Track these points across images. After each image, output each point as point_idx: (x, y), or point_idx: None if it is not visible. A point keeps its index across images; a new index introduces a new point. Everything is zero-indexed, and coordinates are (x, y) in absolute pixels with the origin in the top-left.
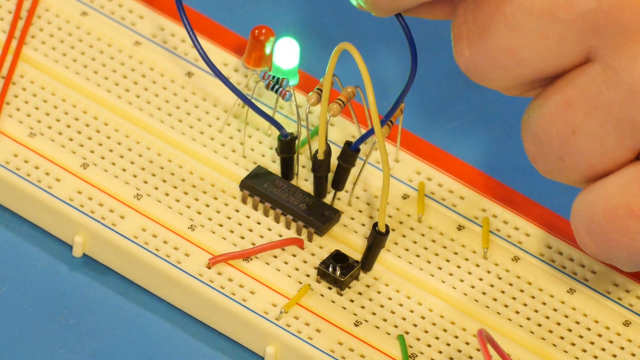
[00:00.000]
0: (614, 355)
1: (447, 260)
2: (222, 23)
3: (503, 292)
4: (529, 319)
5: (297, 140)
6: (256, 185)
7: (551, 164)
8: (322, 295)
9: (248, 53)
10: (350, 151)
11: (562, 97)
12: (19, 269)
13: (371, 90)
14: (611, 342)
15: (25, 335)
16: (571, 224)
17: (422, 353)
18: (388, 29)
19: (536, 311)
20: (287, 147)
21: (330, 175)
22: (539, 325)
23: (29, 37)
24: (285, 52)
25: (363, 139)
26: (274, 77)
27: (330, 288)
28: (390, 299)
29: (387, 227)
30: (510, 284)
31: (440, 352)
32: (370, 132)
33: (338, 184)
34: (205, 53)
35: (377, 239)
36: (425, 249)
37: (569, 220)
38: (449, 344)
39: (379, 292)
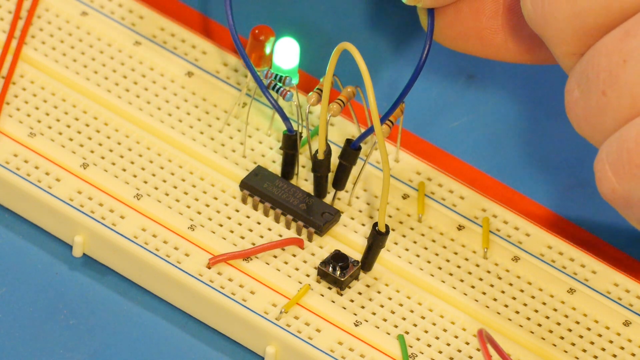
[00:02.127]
0: (614, 355)
1: (447, 260)
2: (222, 23)
3: (503, 292)
4: (529, 319)
5: (298, 140)
6: (256, 185)
7: (592, 102)
8: (322, 295)
9: (248, 53)
10: (351, 149)
11: (621, 28)
12: (19, 269)
13: (371, 90)
14: (611, 342)
15: (25, 335)
16: (595, 162)
17: (422, 353)
18: (388, 29)
19: (536, 311)
20: (291, 142)
21: (331, 175)
22: (539, 325)
23: (29, 37)
24: (285, 52)
25: (363, 137)
26: (276, 75)
27: (330, 288)
28: (390, 299)
29: (387, 227)
30: (510, 284)
31: (440, 352)
32: (371, 129)
33: (339, 183)
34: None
35: (377, 239)
36: (425, 249)
37: (569, 220)
38: (449, 344)
39: (379, 292)
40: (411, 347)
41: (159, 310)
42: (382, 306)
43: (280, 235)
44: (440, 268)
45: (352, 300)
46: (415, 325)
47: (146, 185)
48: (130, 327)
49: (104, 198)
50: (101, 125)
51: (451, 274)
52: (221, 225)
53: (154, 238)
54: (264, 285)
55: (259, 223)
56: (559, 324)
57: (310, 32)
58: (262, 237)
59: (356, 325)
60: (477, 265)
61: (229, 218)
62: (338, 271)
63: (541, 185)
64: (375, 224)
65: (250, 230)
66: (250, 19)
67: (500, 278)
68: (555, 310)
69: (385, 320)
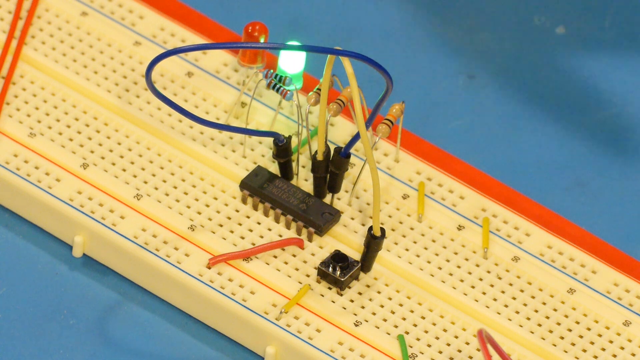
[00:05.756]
0: (614, 355)
1: (447, 261)
2: (222, 23)
3: (503, 292)
4: (529, 319)
5: (298, 140)
6: (256, 185)
7: None
8: (322, 295)
9: (242, 50)
10: (340, 157)
11: None
12: (19, 269)
13: (357, 97)
14: (611, 342)
15: (25, 335)
16: None
17: (422, 353)
18: (390, 28)
19: (536, 311)
20: (283, 151)
21: None
22: (539, 325)
23: (29, 37)
24: (292, 57)
25: (351, 144)
26: (276, 75)
27: (330, 288)
28: (390, 299)
29: (383, 230)
30: (510, 284)
31: (440, 352)
32: (358, 136)
33: (333, 188)
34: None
35: (372, 242)
36: (425, 249)
37: (569, 220)
38: (449, 344)
39: (379, 292)
40: (411, 347)
41: (159, 310)
42: (382, 306)
43: (280, 235)
44: (440, 268)
45: (352, 301)
46: (415, 325)
47: (146, 186)
48: (130, 327)
49: (104, 198)
50: (101, 125)
51: (451, 274)
52: (221, 226)
53: (154, 238)
54: (264, 285)
55: (259, 223)
56: (559, 324)
57: (311, 32)
58: (262, 237)
59: (356, 326)
60: (477, 266)
61: (229, 218)
62: (338, 271)
63: (541, 185)
64: (371, 228)
65: (250, 231)
66: (250, 19)
67: (500, 278)
68: (555, 310)
69: (385, 320)
